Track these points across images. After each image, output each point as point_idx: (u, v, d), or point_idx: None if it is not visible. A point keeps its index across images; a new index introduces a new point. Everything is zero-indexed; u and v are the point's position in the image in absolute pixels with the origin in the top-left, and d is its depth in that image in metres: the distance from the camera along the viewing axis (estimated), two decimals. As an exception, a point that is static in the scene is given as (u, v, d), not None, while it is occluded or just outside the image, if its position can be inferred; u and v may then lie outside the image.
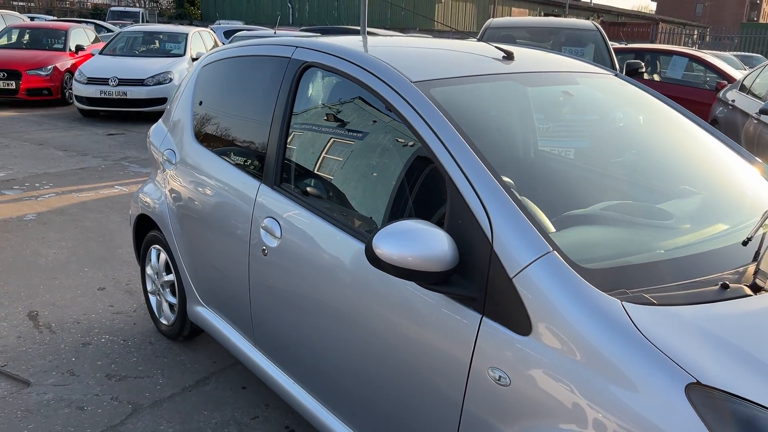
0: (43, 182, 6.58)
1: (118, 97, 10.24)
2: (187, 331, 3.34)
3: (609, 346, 1.48)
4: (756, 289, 1.67)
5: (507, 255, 1.67)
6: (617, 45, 13.39)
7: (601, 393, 1.47)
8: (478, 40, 7.93)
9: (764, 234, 1.89)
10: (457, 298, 1.77)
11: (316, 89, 2.52)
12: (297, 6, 36.33)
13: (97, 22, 21.66)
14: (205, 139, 3.02)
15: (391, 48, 2.51)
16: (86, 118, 10.73)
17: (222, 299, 2.88)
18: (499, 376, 1.65)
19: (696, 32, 37.05)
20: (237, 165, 2.75)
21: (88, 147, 8.48)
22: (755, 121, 6.59)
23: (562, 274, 1.60)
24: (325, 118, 2.48)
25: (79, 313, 3.72)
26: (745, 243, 1.86)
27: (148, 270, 3.54)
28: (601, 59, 7.32)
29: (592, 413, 1.47)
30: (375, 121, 2.25)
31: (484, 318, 1.71)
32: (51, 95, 11.81)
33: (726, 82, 9.12)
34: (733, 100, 7.57)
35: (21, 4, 47.09)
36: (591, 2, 52.74)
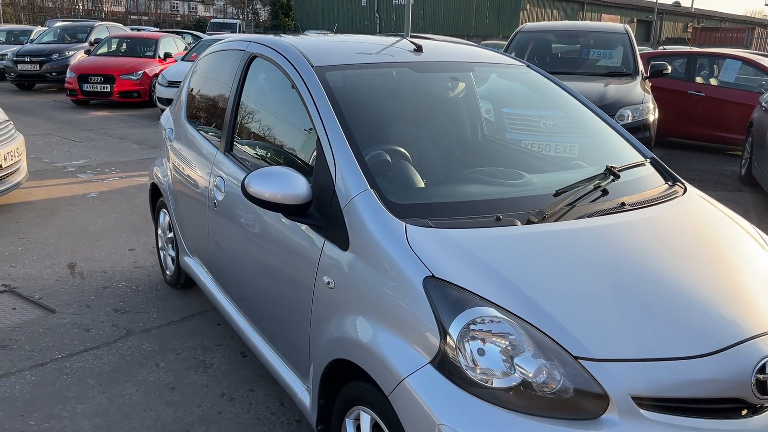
0: (112, 168, 7.57)
1: (193, 98, 11.30)
2: (183, 280, 4.03)
3: (388, 253, 1.99)
4: (528, 223, 2.12)
5: (342, 192, 2.22)
6: (683, 49, 13.26)
7: (383, 287, 1.98)
8: (508, 44, 8.33)
9: (574, 189, 2.32)
10: (313, 227, 2.32)
11: (258, 74, 3.13)
12: (384, 17, 37.54)
13: (195, 32, 23.33)
14: (191, 117, 3.71)
15: (318, 42, 3.07)
16: (167, 118, 11.88)
17: (197, 247, 3.54)
18: (329, 281, 2.19)
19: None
20: (207, 137, 3.41)
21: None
22: (775, 121, 6.63)
23: (371, 205, 2.12)
24: (260, 96, 3.09)
25: (108, 266, 4.51)
26: (556, 194, 2.30)
27: (159, 231, 4.28)
28: (627, 60, 7.56)
29: (379, 303, 1.98)
30: (288, 98, 2.83)
31: (326, 241, 2.25)
32: (140, 98, 13.13)
33: (778, 86, 9.00)
34: (767, 102, 7.55)
35: (135, 17, 50.91)
36: (692, 8, 50.85)
